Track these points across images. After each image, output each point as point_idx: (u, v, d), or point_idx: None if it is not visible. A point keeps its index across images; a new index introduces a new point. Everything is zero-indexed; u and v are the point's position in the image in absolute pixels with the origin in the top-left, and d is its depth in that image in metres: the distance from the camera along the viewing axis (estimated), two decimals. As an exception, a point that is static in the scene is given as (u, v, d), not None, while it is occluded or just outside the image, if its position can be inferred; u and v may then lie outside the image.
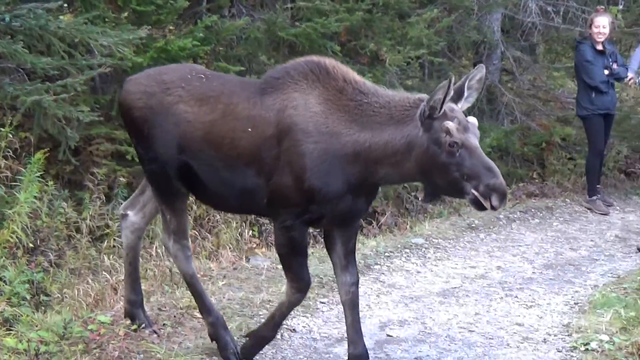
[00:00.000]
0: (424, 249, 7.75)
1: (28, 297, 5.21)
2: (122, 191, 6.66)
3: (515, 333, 5.72)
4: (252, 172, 4.46)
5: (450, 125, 4.16)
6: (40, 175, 5.72)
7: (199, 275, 5.22)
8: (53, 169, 6.57)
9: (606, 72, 9.39)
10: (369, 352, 4.83)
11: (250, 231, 7.33)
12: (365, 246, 7.44)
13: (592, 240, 8.52)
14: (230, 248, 7.00)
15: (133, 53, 6.29)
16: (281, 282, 6.26)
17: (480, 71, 4.42)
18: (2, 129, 5.93)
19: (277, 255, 6.95)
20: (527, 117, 10.94)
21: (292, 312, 5.72)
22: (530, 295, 6.57)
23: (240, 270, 6.64)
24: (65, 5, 6.62)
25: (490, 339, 5.61)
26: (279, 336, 5.36)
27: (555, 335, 5.68)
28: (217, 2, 7.91)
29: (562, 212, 9.66)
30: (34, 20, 5.77)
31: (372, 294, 6.35)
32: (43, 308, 5.39)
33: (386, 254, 7.42)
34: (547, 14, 10.96)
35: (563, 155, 10.92)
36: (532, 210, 9.52)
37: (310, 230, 6.23)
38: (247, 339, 4.96)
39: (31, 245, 5.82)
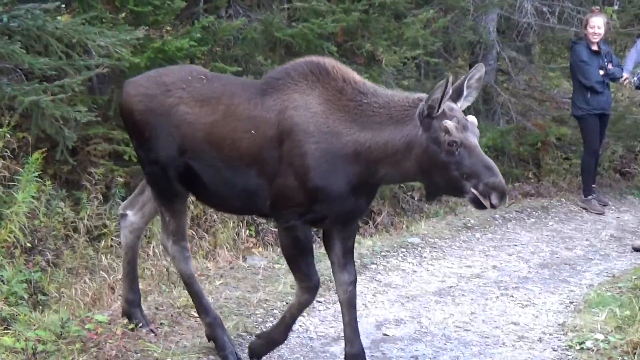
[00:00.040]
0: (420, 249, 7.76)
1: (26, 296, 5.22)
2: (120, 191, 6.67)
3: (510, 332, 5.74)
4: (253, 172, 4.47)
5: (449, 124, 4.17)
6: (38, 175, 5.74)
7: (196, 275, 5.24)
8: (51, 168, 6.57)
9: (601, 72, 9.42)
10: (365, 351, 4.85)
11: (247, 231, 7.34)
12: (362, 245, 7.45)
13: (587, 240, 8.55)
14: (227, 247, 7.01)
15: (130, 53, 6.29)
16: (278, 282, 6.30)
17: (479, 70, 4.42)
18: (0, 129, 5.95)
19: (273, 255, 7.05)
20: (522, 117, 10.97)
21: (288, 312, 5.78)
22: (525, 294, 6.59)
23: (237, 269, 6.65)
24: (63, 5, 6.64)
25: (486, 337, 5.63)
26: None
27: (550, 334, 5.70)
28: (214, 2, 7.93)
29: (557, 211, 9.69)
30: (32, 20, 5.77)
31: (368, 293, 6.37)
32: (41, 307, 5.40)
33: (382, 253, 7.44)
34: (542, 15, 10.99)
35: (558, 155, 10.95)
36: (528, 209, 9.55)
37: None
38: (258, 338, 4.95)
39: (29, 244, 5.82)
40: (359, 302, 4.84)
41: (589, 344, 5.39)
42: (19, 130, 6.40)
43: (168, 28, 7.41)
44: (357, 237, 7.48)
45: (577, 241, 8.48)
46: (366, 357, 4.85)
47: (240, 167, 4.49)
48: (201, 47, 6.93)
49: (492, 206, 4.20)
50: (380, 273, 6.95)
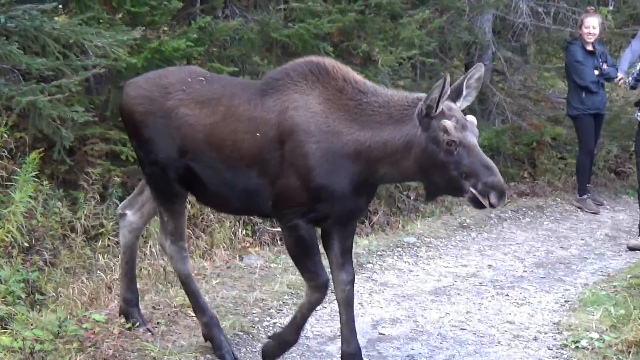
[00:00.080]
0: (416, 248, 7.79)
1: (23, 295, 5.22)
2: (117, 191, 6.68)
3: (506, 331, 5.77)
4: (254, 173, 4.49)
5: (448, 123, 4.18)
6: (35, 175, 5.76)
7: (193, 274, 5.25)
8: (48, 168, 6.58)
9: (596, 72, 9.45)
10: (361, 350, 4.88)
11: (244, 230, 7.35)
12: (358, 245, 7.46)
13: (582, 239, 8.58)
14: (223, 247, 7.02)
15: (127, 54, 6.29)
16: (274, 281, 6.31)
17: (478, 70, 4.44)
18: (-3, 129, 5.96)
19: (269, 255, 7.07)
20: (518, 117, 10.98)
21: (284, 310, 5.81)
22: (521, 293, 6.62)
23: (234, 269, 6.66)
24: (60, 6, 6.64)
25: (481, 336, 5.66)
26: (271, 334, 5.40)
27: (545, 333, 5.73)
28: (211, 3, 7.93)
29: (552, 211, 9.72)
30: (29, 21, 5.77)
31: (364, 293, 6.39)
32: (38, 307, 5.38)
33: (378, 252, 7.46)
34: (537, 15, 11.00)
35: (554, 154, 10.97)
36: (523, 209, 9.58)
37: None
38: (270, 340, 4.96)
39: (26, 244, 5.81)
40: (355, 301, 4.86)
41: (584, 342, 5.42)
42: (17, 131, 6.40)
43: (165, 28, 7.40)
44: (353, 236, 7.50)
45: (572, 240, 8.51)
46: (362, 357, 4.89)
47: (240, 168, 4.50)
48: (198, 47, 6.94)
49: (491, 205, 4.21)
50: (376, 272, 6.98)
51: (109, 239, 6.50)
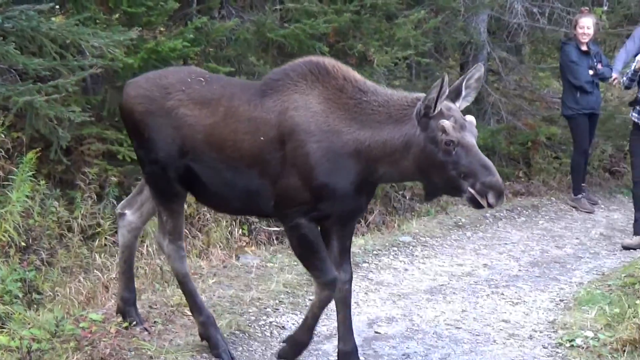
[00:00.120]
0: (411, 247, 7.81)
1: (20, 295, 5.22)
2: (113, 190, 6.69)
3: (501, 330, 5.80)
4: (255, 173, 4.50)
5: (446, 123, 4.20)
6: (32, 174, 5.78)
7: (190, 274, 5.27)
8: (45, 168, 6.59)
9: (591, 72, 9.48)
10: (358, 348, 4.90)
11: (240, 230, 7.36)
12: (354, 244, 7.45)
13: (577, 238, 8.61)
14: (220, 246, 7.03)
15: (124, 54, 6.31)
16: (270, 280, 6.33)
17: (478, 70, 4.45)
18: (-6, 129, 5.97)
19: (266, 254, 7.08)
20: (513, 117, 11.00)
21: (280, 309, 5.82)
22: (516, 292, 6.65)
23: (230, 268, 6.67)
24: (57, 6, 6.66)
25: (476, 335, 5.68)
26: (268, 333, 5.43)
27: (540, 332, 5.76)
28: (207, 3, 7.95)
29: (547, 210, 9.74)
30: (26, 21, 5.78)
31: (360, 292, 6.41)
32: (35, 306, 5.39)
33: (374, 252, 7.48)
34: (532, 15, 11.02)
35: (548, 154, 10.99)
36: (518, 208, 9.60)
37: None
38: (284, 344, 4.94)
39: (23, 243, 5.83)
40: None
41: (578, 341, 5.45)
42: (13, 130, 6.41)
43: (161, 29, 7.42)
44: (349, 236, 7.52)
45: (567, 239, 8.54)
46: (359, 355, 4.91)
47: (241, 168, 4.51)
48: (194, 47, 6.95)
49: (489, 205, 4.23)
50: (372, 271, 7.00)
51: (105, 238, 6.52)
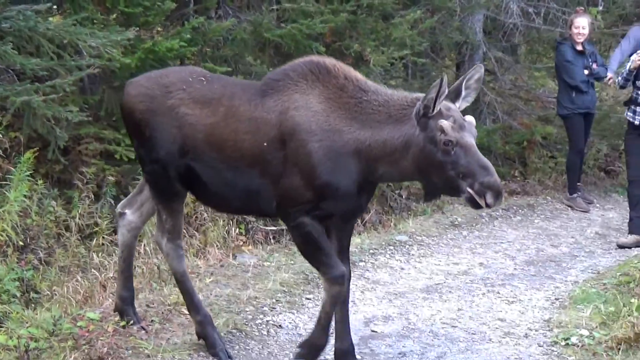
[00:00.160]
0: (407, 246, 7.82)
1: (18, 294, 5.25)
2: (111, 190, 6.70)
3: (497, 328, 5.81)
4: (255, 173, 4.51)
5: (445, 123, 4.22)
6: (30, 174, 5.78)
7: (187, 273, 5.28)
8: (42, 168, 6.60)
9: (586, 72, 9.51)
10: (354, 347, 4.92)
11: (237, 229, 7.37)
12: (351, 243, 7.48)
13: (572, 237, 8.63)
14: (217, 246, 7.04)
15: (121, 54, 6.32)
16: (267, 279, 6.34)
17: (478, 71, 4.47)
18: (-8, 128, 5.99)
19: (262, 253, 7.09)
20: (508, 117, 11.03)
21: (277, 308, 5.83)
22: (512, 291, 6.66)
23: (227, 267, 6.68)
24: (55, 7, 6.68)
25: (472, 334, 5.69)
26: (265, 332, 5.44)
27: (536, 330, 5.77)
28: (204, 3, 7.96)
29: (543, 209, 9.76)
30: (24, 21, 5.79)
31: (356, 291, 6.41)
32: (33, 305, 5.41)
33: (371, 251, 7.49)
34: (528, 15, 11.05)
35: (544, 153, 11.01)
36: (514, 207, 9.61)
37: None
38: (300, 349, 4.84)
39: (21, 243, 5.84)
40: (347, 299, 4.91)
41: (574, 339, 5.45)
42: (11, 130, 6.42)
43: (158, 29, 7.43)
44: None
45: (563, 238, 8.56)
46: (355, 354, 4.93)
47: (242, 168, 4.53)
48: (191, 47, 6.97)
49: (488, 205, 4.24)
50: (368, 270, 7.01)
51: (103, 237, 6.53)
